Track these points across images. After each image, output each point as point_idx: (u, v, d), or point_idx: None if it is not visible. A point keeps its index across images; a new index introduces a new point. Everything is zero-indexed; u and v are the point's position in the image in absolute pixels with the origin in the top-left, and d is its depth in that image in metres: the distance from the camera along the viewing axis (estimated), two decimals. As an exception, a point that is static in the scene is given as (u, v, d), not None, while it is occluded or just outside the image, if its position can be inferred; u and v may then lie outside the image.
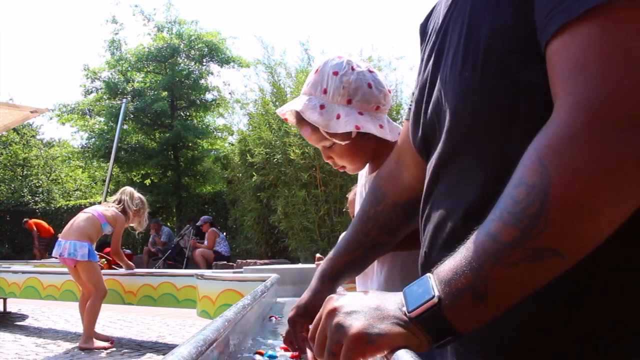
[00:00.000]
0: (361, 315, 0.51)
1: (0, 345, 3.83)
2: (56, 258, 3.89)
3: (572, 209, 0.44)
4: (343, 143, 1.11)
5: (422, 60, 0.75)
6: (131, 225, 4.10)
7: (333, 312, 0.53)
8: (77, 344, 3.69)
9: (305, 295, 0.95)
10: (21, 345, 3.82)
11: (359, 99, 1.10)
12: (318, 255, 2.14)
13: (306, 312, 0.92)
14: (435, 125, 0.68)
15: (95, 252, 3.85)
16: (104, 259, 4.07)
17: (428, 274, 0.52)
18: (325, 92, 1.11)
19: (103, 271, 4.15)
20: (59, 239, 3.81)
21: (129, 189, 4.08)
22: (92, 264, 3.73)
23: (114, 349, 3.67)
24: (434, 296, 0.49)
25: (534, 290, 0.48)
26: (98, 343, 3.68)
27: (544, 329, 0.54)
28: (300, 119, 1.14)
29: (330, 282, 0.95)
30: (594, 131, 0.44)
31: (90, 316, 3.69)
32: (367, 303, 0.53)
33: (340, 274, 0.95)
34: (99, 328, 4.62)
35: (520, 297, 0.49)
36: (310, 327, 0.59)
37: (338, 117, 1.08)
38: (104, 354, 3.52)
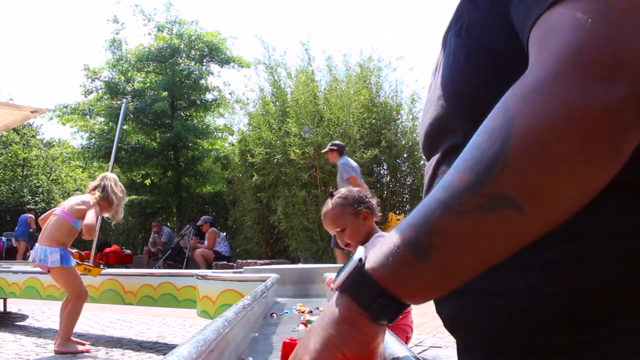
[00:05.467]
0: (304, 348, 0.49)
1: (0, 345, 3.82)
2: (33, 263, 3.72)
3: (535, 150, 0.40)
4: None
5: (434, 66, 0.78)
6: (107, 216, 3.84)
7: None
8: (54, 348, 3.54)
9: None
10: (21, 345, 3.82)
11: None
12: (330, 277, 2.14)
13: None
14: (433, 130, 0.70)
15: (72, 257, 3.63)
16: (87, 268, 3.83)
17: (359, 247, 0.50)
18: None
19: (104, 270, 4.12)
20: (36, 244, 3.67)
21: (112, 174, 3.88)
22: (66, 270, 3.54)
23: (113, 349, 3.67)
24: (357, 259, 0.47)
25: (487, 253, 0.43)
26: (77, 346, 3.53)
27: (542, 321, 0.54)
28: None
29: None
30: (564, 78, 0.41)
31: (70, 319, 3.53)
32: (319, 324, 0.49)
33: None
34: (99, 328, 4.63)
35: (471, 259, 0.43)
36: None
37: None
38: (102, 353, 3.52)
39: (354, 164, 6.12)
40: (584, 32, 0.42)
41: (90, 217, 3.53)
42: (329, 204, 2.09)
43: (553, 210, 0.42)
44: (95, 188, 3.74)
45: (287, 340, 0.71)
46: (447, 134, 0.67)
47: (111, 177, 3.84)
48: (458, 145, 0.65)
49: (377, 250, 0.46)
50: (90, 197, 3.68)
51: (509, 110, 0.42)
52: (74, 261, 3.65)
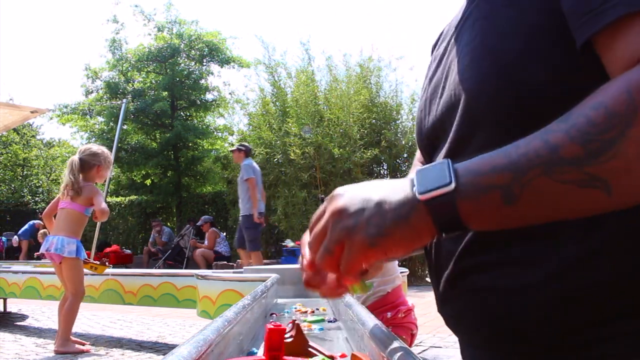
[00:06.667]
0: (365, 214, 0.49)
1: (0, 345, 3.82)
2: (43, 254, 3.71)
3: None
4: None
5: (434, 59, 0.77)
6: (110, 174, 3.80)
7: (338, 212, 0.51)
8: (54, 348, 3.54)
9: None
10: (21, 345, 3.82)
11: None
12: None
13: None
14: (446, 121, 0.68)
15: (84, 250, 3.71)
16: (93, 266, 3.86)
17: (448, 160, 0.50)
18: None
19: (106, 270, 4.12)
20: (48, 235, 3.71)
21: (69, 162, 3.71)
22: (77, 262, 3.60)
23: (113, 349, 3.67)
24: (450, 182, 0.47)
25: (561, 216, 0.47)
26: (77, 346, 3.53)
27: (546, 319, 0.55)
28: None
29: None
30: None
31: (68, 318, 3.54)
32: (372, 197, 0.50)
33: None
34: (99, 328, 4.63)
35: (544, 217, 0.47)
36: (313, 217, 0.56)
37: None
38: (102, 353, 3.52)
39: (257, 167, 6.47)
40: None
41: (99, 203, 3.61)
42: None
43: (635, 200, 0.46)
44: (73, 187, 3.63)
45: (272, 327, 0.70)
46: (460, 122, 0.65)
47: (66, 168, 3.72)
48: (468, 140, 0.63)
49: (469, 177, 0.47)
50: (88, 188, 3.68)
51: (634, 101, 0.44)
52: (84, 255, 3.70)
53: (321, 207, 0.55)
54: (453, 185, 0.47)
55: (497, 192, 0.46)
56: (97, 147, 3.84)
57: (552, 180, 0.45)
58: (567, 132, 0.46)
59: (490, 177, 0.46)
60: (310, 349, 0.76)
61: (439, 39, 0.82)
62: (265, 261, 7.21)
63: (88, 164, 3.69)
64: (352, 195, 0.51)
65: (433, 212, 0.47)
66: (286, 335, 0.76)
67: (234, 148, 6.67)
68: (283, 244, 7.83)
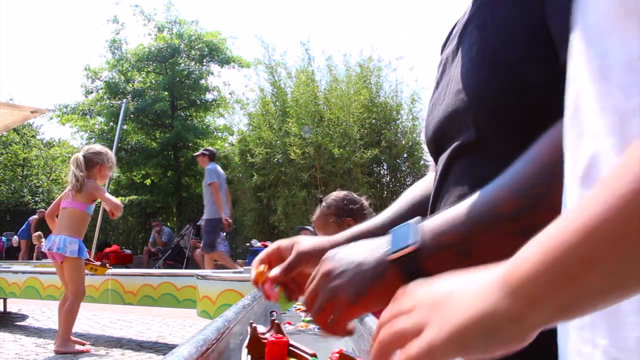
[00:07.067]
0: (347, 275, 0.56)
1: (0, 345, 3.83)
2: (45, 253, 3.74)
3: None
4: None
5: (440, 62, 0.77)
6: (110, 174, 3.82)
7: (326, 274, 0.58)
8: (54, 348, 3.55)
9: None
10: (21, 345, 3.82)
11: None
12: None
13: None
14: (446, 127, 0.69)
15: (86, 249, 3.73)
16: (93, 267, 3.86)
17: (416, 219, 0.55)
18: None
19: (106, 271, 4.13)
20: (51, 234, 3.72)
21: (72, 158, 3.74)
22: (79, 262, 3.60)
23: (113, 349, 3.67)
24: (414, 243, 0.53)
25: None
26: (77, 346, 3.54)
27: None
28: None
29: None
30: None
31: (68, 318, 3.55)
32: (354, 259, 0.57)
33: None
34: (99, 328, 4.63)
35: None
36: (308, 282, 0.62)
37: None
38: (102, 353, 3.52)
39: (221, 172, 6.50)
40: None
41: (108, 198, 3.65)
42: (317, 212, 2.12)
43: None
44: (78, 181, 3.65)
45: (273, 339, 0.71)
46: (461, 129, 0.66)
47: (70, 165, 3.74)
48: (470, 144, 0.64)
49: (430, 236, 0.53)
50: (89, 185, 3.68)
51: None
52: (86, 255, 3.70)
53: (314, 273, 0.62)
54: (416, 245, 0.53)
55: (453, 249, 0.52)
56: (100, 147, 3.86)
57: (497, 235, 0.50)
58: (509, 186, 0.50)
59: (447, 236, 0.52)
60: (290, 348, 0.76)
61: (448, 37, 0.83)
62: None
63: (91, 162, 3.70)
64: (338, 258, 0.59)
65: (401, 268, 0.53)
66: (267, 335, 0.77)
67: (198, 153, 6.73)
68: (248, 244, 7.84)
